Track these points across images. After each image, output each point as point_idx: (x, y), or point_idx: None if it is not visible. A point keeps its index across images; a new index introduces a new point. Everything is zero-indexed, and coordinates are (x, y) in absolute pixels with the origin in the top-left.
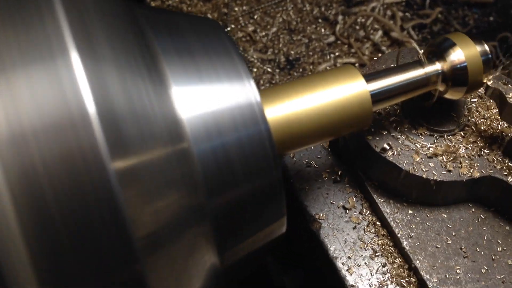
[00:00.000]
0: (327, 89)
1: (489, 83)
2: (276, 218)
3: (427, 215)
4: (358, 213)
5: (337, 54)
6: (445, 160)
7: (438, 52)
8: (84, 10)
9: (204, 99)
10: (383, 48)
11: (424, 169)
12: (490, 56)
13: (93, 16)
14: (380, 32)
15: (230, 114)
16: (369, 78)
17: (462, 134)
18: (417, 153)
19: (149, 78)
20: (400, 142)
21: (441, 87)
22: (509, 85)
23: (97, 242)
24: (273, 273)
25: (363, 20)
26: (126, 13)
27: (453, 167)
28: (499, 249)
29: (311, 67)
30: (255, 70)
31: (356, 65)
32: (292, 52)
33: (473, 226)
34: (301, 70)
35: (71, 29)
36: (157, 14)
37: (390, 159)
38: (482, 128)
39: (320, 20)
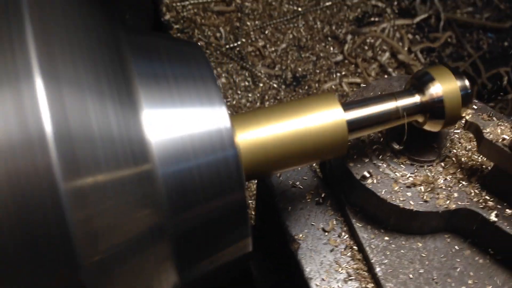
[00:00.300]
0: (304, 116)
1: (467, 117)
2: (239, 239)
3: (402, 243)
4: (337, 236)
5: (343, 73)
6: (423, 190)
7: (418, 84)
8: (55, 35)
9: (174, 122)
10: (390, 69)
11: (401, 199)
12: (469, 91)
13: (63, 40)
14: (387, 54)
15: (199, 138)
16: (346, 107)
17: (443, 165)
18: (396, 182)
19: (119, 100)
20: (380, 170)
21: (420, 119)
22: (494, 118)
23: (44, 264)
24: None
25: (372, 41)
26: (106, 37)
27: (430, 198)
28: (470, 282)
29: (316, 85)
30: (261, 85)
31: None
32: (300, 69)
33: (447, 257)
34: (306, 87)
35: (37, 54)
36: (141, 38)
37: (370, 187)
38: (463, 159)
39: (329, 39)
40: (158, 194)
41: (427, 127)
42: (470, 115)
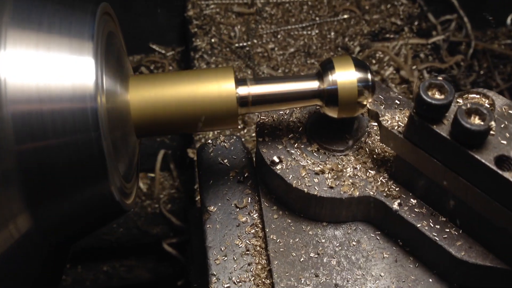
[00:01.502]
0: (197, 85)
1: (368, 105)
2: (96, 183)
3: (303, 227)
4: (247, 213)
5: None
6: (329, 177)
7: (321, 71)
8: None
9: (34, 65)
10: (392, 85)
11: (307, 184)
12: (370, 83)
13: None
14: (391, 69)
15: (57, 86)
16: (241, 82)
17: (355, 155)
18: (304, 168)
19: None
20: (293, 157)
21: (319, 104)
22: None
23: None
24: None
25: (382, 56)
26: None
27: (335, 185)
28: (358, 273)
29: None
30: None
31: None
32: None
33: (343, 246)
34: None
35: None
36: None
37: (278, 172)
38: (376, 151)
39: (339, 49)
40: (5, 133)
41: (326, 112)
42: (371, 104)
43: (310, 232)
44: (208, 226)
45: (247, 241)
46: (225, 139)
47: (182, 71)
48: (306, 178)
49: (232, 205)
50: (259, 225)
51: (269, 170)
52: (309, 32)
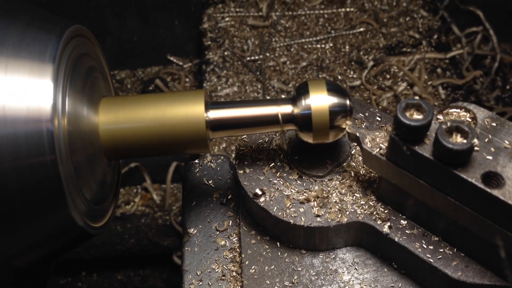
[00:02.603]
0: (167, 109)
1: (347, 129)
2: (56, 212)
3: (279, 253)
4: (226, 237)
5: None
6: (315, 205)
7: (296, 95)
8: None
9: None
10: None
11: (293, 215)
12: (342, 108)
13: None
14: (404, 84)
15: (13, 108)
16: (213, 106)
17: (340, 179)
18: (288, 198)
19: None
20: (276, 187)
21: (294, 128)
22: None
23: None
24: None
25: (396, 70)
26: None
27: (322, 213)
28: None
29: None
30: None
31: None
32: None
33: (319, 275)
34: None
35: None
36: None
37: (262, 204)
38: (361, 172)
39: (353, 63)
40: None
41: (302, 137)
42: (350, 127)
43: (287, 260)
44: (186, 249)
45: (224, 266)
46: (212, 159)
47: (155, 94)
48: (291, 209)
49: (213, 227)
50: (238, 250)
51: (252, 203)
52: (323, 46)
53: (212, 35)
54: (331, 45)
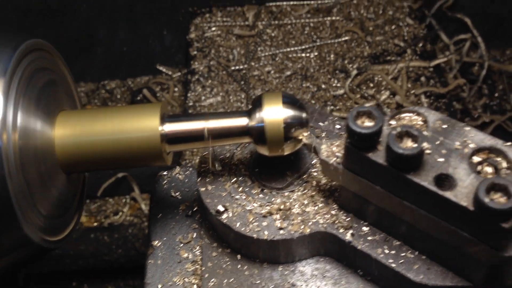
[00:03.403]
0: (122, 122)
1: (304, 139)
2: (7, 228)
3: (239, 266)
4: (190, 249)
5: (338, 107)
6: (278, 218)
7: (252, 107)
8: None
9: None
10: (387, 109)
11: (256, 230)
12: (300, 120)
13: None
14: (387, 93)
15: None
16: (169, 119)
17: (302, 189)
18: (251, 213)
19: None
20: (238, 203)
21: (249, 140)
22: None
23: None
24: None
25: (380, 79)
26: None
27: (285, 225)
28: None
29: None
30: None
31: None
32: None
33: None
34: None
35: None
36: None
37: (225, 221)
38: (322, 181)
39: (337, 72)
40: None
41: (258, 150)
42: (307, 138)
43: (246, 272)
44: (150, 261)
45: (186, 279)
46: (181, 170)
47: (114, 107)
48: (254, 223)
49: (177, 240)
50: (199, 262)
51: (215, 220)
52: (308, 54)
53: (198, 44)
54: (316, 54)
